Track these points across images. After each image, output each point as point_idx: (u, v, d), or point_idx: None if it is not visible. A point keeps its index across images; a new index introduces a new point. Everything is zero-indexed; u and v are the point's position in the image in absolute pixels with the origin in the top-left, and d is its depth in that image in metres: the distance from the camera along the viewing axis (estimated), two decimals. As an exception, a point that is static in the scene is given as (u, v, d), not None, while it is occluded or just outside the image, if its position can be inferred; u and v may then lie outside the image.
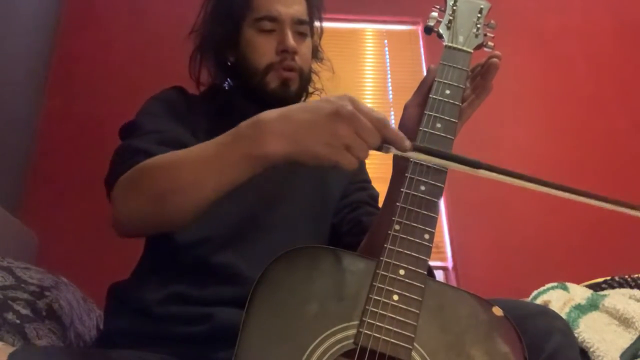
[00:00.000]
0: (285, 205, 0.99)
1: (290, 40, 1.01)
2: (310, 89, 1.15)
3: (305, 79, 1.07)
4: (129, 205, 0.82)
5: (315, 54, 1.15)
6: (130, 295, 0.90)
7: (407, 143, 0.69)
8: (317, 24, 1.14)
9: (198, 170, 0.76)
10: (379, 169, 2.18)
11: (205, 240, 0.91)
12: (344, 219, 1.03)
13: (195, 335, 0.84)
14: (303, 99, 1.14)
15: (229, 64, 1.08)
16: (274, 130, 0.69)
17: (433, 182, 0.74)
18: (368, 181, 1.15)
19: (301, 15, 1.05)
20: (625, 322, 1.17)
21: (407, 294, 0.66)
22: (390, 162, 0.90)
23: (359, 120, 0.67)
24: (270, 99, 1.02)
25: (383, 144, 0.69)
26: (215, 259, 0.89)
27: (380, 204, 1.09)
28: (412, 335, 0.64)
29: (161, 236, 0.92)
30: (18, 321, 0.86)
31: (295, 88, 1.04)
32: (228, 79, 1.10)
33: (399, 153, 0.70)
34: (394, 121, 2.37)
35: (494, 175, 0.72)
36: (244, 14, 1.03)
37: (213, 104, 1.06)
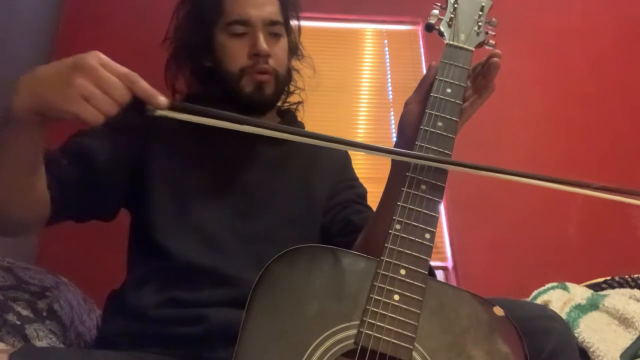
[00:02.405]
0: (267, 213, 0.98)
1: (262, 43, 1.00)
2: (291, 88, 1.15)
3: (281, 81, 1.06)
4: None
5: (295, 51, 1.14)
6: (126, 300, 0.91)
7: (162, 99, 0.67)
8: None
9: None
10: (376, 169, 2.20)
11: (193, 250, 0.92)
12: (334, 219, 1.03)
13: (192, 336, 0.85)
14: (284, 99, 1.13)
15: (206, 69, 1.06)
16: (21, 88, 0.71)
17: (434, 182, 0.74)
18: (355, 179, 1.14)
19: (273, 16, 1.03)
20: (625, 322, 1.17)
21: (408, 294, 0.66)
22: (387, 163, 0.90)
23: (97, 71, 0.66)
24: (246, 103, 1.02)
25: (145, 105, 0.67)
26: (205, 265, 0.90)
27: (368, 202, 1.09)
28: (413, 335, 0.64)
29: (151, 246, 0.94)
30: (18, 322, 0.86)
31: (271, 91, 1.03)
32: (205, 85, 1.08)
33: (161, 112, 0.68)
34: (394, 121, 2.37)
35: (259, 130, 0.72)
36: (215, 18, 1.03)
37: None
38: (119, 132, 0.99)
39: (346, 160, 1.16)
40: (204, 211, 0.96)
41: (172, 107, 0.68)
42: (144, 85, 0.68)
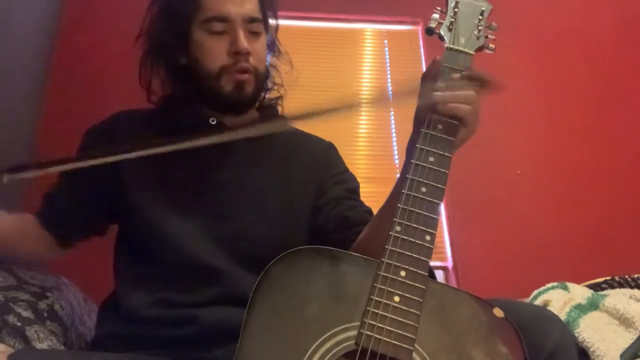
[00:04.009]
0: (240, 212, 0.98)
1: (243, 41, 0.98)
2: (269, 84, 1.12)
3: (261, 79, 1.04)
4: None
5: (272, 48, 1.12)
6: (118, 304, 0.92)
7: None
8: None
9: None
10: (376, 169, 2.21)
11: (176, 253, 0.92)
12: (328, 217, 1.01)
13: (184, 337, 0.85)
14: (262, 96, 1.11)
15: (181, 67, 1.04)
16: None
17: (434, 184, 0.74)
18: (343, 171, 1.10)
19: (253, 13, 1.01)
20: (625, 321, 1.17)
21: (408, 295, 0.66)
22: (387, 163, 0.89)
23: None
24: (225, 103, 1.01)
25: None
26: (190, 267, 0.91)
27: (368, 202, 1.08)
28: (413, 337, 0.64)
29: (137, 253, 0.96)
30: (19, 324, 0.86)
31: (251, 90, 1.01)
32: (180, 84, 1.06)
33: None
34: (393, 120, 2.37)
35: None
36: (192, 15, 1.00)
37: (160, 121, 1.05)
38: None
39: (329, 154, 1.12)
40: (181, 214, 0.96)
41: (10, 170, 0.71)
42: None
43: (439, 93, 0.80)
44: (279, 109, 1.15)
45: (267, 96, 1.13)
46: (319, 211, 1.02)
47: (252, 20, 1.01)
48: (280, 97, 1.14)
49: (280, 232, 0.97)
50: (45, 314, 0.94)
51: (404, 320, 0.65)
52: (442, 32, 0.89)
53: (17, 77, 2.00)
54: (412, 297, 0.66)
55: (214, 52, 0.99)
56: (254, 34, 1.02)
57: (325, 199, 1.03)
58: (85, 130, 1.07)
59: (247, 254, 0.92)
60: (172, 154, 1.00)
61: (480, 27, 0.89)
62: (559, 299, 1.33)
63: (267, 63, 1.11)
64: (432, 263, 0.71)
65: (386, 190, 0.91)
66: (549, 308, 1.27)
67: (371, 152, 2.26)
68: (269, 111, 1.12)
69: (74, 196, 1.02)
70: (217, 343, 0.82)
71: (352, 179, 1.10)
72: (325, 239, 1.00)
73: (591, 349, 1.10)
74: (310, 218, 1.02)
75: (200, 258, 0.91)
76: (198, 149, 1.01)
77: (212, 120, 1.02)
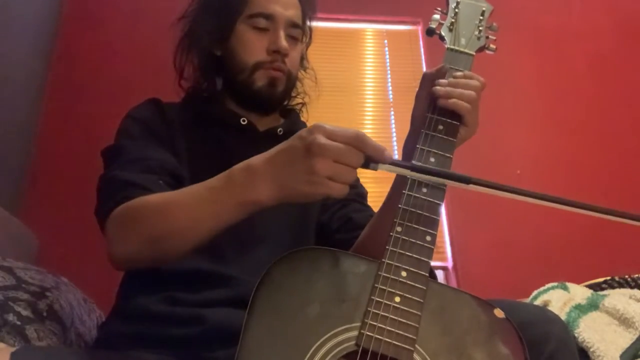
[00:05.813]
0: (267, 221, 0.97)
1: (283, 41, 1.01)
2: (293, 93, 1.14)
3: (291, 82, 1.07)
4: (123, 246, 0.82)
5: (301, 62, 1.14)
6: (126, 302, 0.92)
7: (388, 154, 0.68)
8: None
9: (193, 215, 0.77)
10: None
11: (194, 257, 0.91)
12: (333, 216, 1.03)
13: (189, 337, 0.85)
14: (287, 102, 1.13)
15: (214, 57, 1.06)
16: (262, 175, 0.71)
17: (435, 184, 0.74)
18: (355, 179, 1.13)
19: (295, 19, 1.04)
20: (625, 322, 1.17)
21: (409, 296, 0.66)
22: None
23: (332, 149, 0.66)
24: (255, 98, 1.03)
25: (369, 162, 0.68)
26: (206, 270, 0.90)
27: (371, 202, 1.09)
28: (414, 337, 0.64)
29: None
30: (19, 322, 0.86)
31: (281, 89, 1.03)
32: (210, 76, 1.08)
33: (387, 168, 0.69)
34: (394, 120, 2.37)
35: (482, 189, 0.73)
36: (239, 8, 1.03)
37: (190, 115, 1.04)
38: (157, 138, 0.97)
39: None
40: None
41: (393, 163, 0.69)
42: (372, 143, 0.68)
43: (440, 87, 0.81)
44: (302, 114, 1.18)
45: (290, 103, 1.16)
46: (326, 210, 1.04)
47: (294, 25, 1.04)
48: (303, 104, 1.17)
49: (295, 238, 0.98)
50: (45, 314, 0.94)
51: (404, 321, 0.64)
52: (442, 33, 0.89)
53: (17, 77, 2.00)
54: (413, 297, 0.66)
55: (254, 47, 1.01)
56: (293, 39, 1.05)
57: (334, 199, 1.04)
58: (126, 117, 1.01)
59: (265, 258, 0.91)
60: (201, 157, 0.99)
61: (481, 28, 0.89)
62: (559, 299, 1.33)
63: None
64: (433, 263, 0.71)
65: (387, 190, 0.91)
66: (548, 308, 1.27)
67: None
68: (293, 115, 1.14)
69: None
70: (221, 344, 0.82)
71: (362, 187, 1.12)
72: (329, 237, 1.01)
73: (591, 349, 1.10)
74: (317, 218, 1.04)
75: (210, 264, 0.91)
76: (226, 152, 0.99)
77: (243, 120, 1.03)
